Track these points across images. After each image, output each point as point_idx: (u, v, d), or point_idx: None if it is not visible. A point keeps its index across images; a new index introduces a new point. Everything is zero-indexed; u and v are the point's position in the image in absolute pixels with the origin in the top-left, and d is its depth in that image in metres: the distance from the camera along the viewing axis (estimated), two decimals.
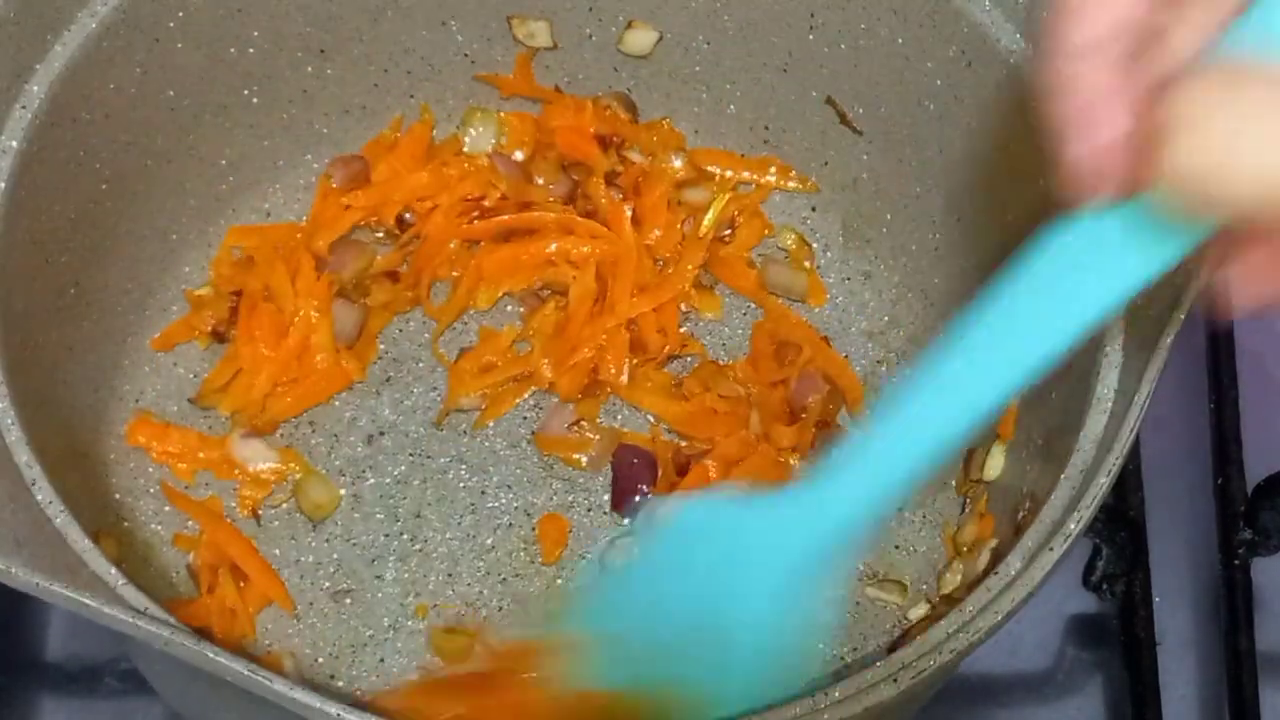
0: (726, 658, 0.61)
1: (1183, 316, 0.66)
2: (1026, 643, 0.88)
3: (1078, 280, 0.50)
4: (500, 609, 0.82)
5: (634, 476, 0.85)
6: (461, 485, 0.85)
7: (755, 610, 0.60)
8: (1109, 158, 0.47)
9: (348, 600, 0.82)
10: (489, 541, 0.83)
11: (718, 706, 0.62)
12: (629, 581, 0.68)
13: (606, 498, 0.85)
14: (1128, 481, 0.88)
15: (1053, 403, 0.76)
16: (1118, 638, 0.87)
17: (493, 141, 0.90)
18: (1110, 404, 0.69)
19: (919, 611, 0.81)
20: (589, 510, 0.85)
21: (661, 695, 0.63)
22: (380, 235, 0.89)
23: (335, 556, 0.83)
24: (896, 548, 0.84)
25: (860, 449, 0.57)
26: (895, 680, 0.62)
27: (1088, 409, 0.69)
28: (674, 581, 0.63)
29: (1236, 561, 0.87)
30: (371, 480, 0.85)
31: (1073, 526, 0.65)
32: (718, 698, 0.62)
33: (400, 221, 0.89)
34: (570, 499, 0.85)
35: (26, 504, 0.65)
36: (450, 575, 0.83)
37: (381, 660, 0.80)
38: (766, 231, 0.91)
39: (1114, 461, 0.65)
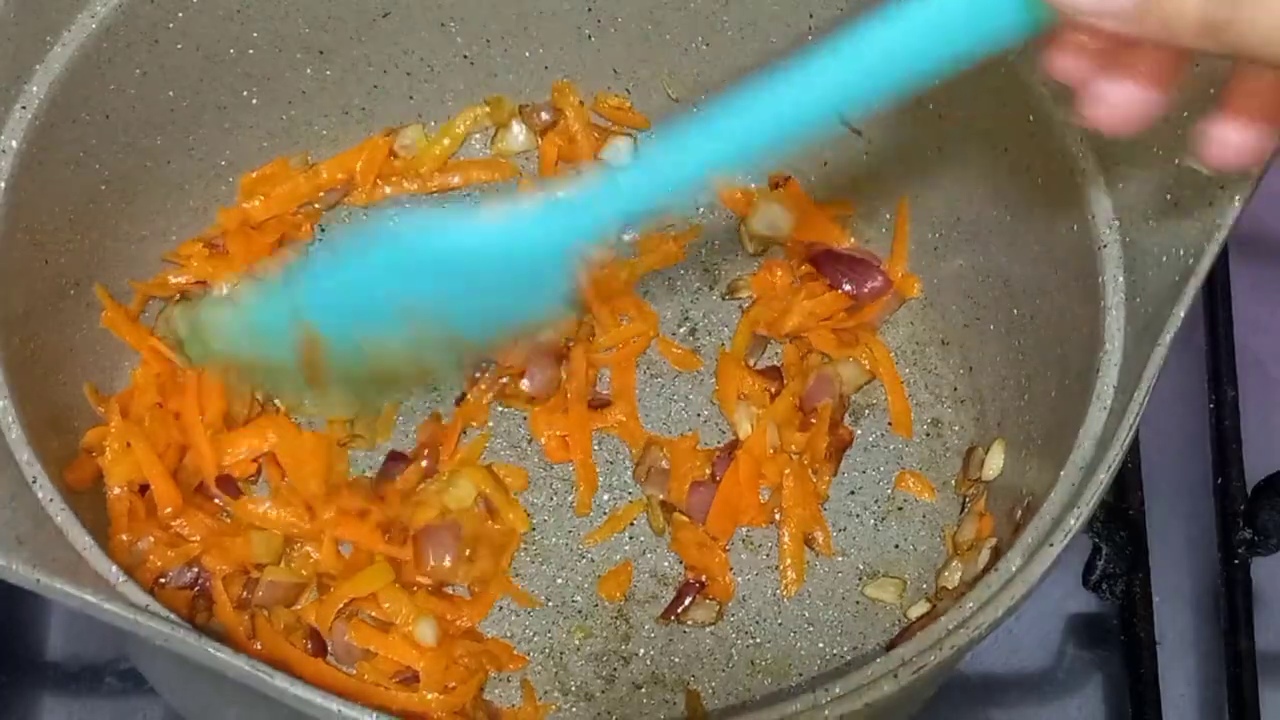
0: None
1: (1183, 316, 0.66)
2: (1026, 642, 0.88)
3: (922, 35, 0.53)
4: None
5: None
6: None
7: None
8: None
9: None
10: None
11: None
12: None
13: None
14: (1127, 480, 0.88)
15: (1052, 401, 0.76)
16: (1118, 637, 0.87)
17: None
18: (1109, 402, 0.69)
19: (918, 610, 0.81)
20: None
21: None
22: None
23: None
24: (896, 546, 0.84)
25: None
26: (895, 676, 0.62)
27: (1087, 407, 0.70)
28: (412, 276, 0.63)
29: (1236, 561, 0.87)
30: None
31: (1072, 523, 0.65)
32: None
33: None
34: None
35: (27, 501, 0.66)
36: None
37: None
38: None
39: (1113, 458, 0.65)
